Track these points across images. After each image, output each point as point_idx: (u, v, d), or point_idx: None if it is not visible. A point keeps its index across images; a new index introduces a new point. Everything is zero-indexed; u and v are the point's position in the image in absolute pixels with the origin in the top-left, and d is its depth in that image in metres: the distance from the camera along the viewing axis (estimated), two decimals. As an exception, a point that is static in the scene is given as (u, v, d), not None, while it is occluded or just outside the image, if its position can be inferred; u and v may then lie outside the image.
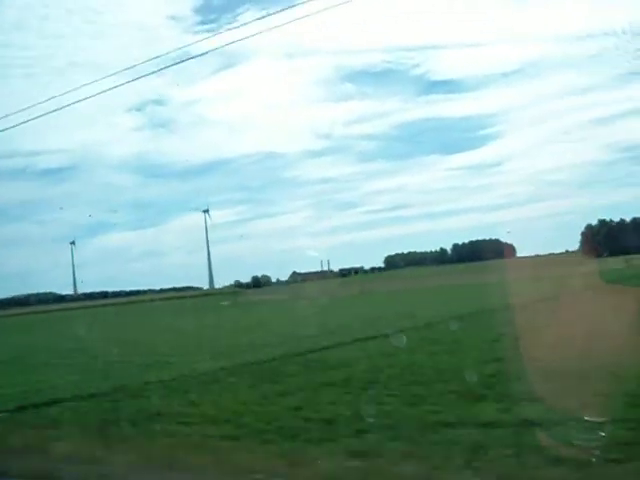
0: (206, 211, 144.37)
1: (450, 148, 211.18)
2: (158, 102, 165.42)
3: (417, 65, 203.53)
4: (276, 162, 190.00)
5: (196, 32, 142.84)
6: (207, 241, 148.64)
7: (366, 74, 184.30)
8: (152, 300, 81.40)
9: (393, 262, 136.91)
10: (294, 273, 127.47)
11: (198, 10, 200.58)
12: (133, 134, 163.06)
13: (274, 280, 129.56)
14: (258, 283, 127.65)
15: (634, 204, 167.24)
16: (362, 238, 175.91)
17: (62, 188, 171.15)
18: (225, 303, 70.21)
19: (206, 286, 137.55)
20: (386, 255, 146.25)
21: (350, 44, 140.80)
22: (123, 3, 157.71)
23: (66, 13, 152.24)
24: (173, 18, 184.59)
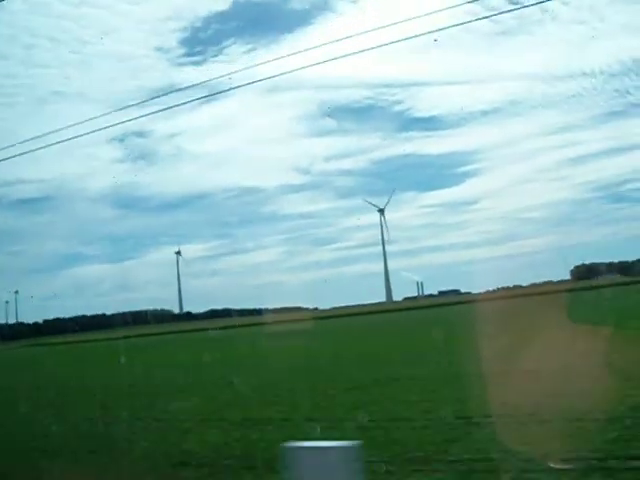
0: (178, 252, 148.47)
1: (427, 185, 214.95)
2: (139, 134, 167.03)
3: (399, 102, 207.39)
4: (254, 197, 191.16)
5: (182, 64, 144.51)
6: (179, 279, 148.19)
7: (348, 110, 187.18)
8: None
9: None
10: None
11: (184, 42, 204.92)
12: (113, 165, 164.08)
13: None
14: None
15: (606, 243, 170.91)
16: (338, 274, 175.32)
17: (37, 219, 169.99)
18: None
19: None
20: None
21: (333, 79, 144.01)
22: (110, 34, 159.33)
23: (52, 43, 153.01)
24: (159, 49, 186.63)
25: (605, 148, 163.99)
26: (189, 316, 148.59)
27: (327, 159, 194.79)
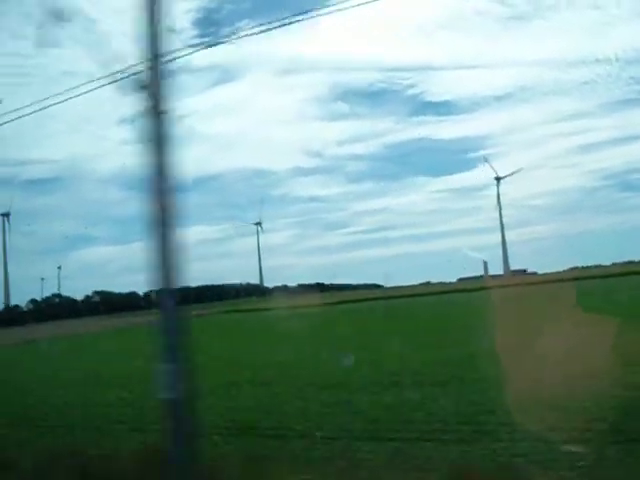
0: (258, 224, 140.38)
1: (439, 170, 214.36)
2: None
3: (412, 85, 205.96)
4: (265, 179, 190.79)
5: (194, 45, 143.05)
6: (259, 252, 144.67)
7: (361, 93, 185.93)
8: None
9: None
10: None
11: (197, 23, 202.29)
12: (122, 147, 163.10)
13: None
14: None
15: (613, 231, 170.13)
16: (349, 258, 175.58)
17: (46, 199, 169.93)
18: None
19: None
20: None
21: (347, 63, 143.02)
22: (122, 13, 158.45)
23: (63, 21, 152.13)
24: (172, 30, 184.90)
25: (616, 136, 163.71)
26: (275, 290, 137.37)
27: (339, 143, 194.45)
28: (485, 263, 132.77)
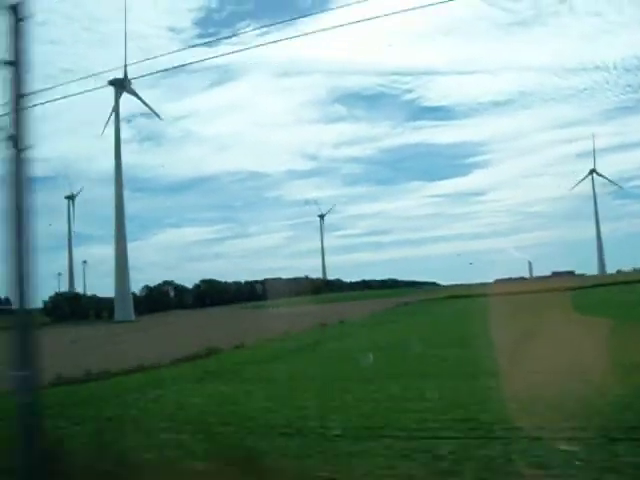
0: (321, 216, 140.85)
1: (435, 175, 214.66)
2: (147, 115, 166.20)
3: (410, 90, 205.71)
4: (260, 181, 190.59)
5: (195, 45, 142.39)
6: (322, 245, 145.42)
7: (359, 97, 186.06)
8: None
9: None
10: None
11: (198, 23, 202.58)
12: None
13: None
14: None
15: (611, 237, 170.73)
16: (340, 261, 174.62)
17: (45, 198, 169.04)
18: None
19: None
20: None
21: (345, 65, 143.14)
22: (123, 12, 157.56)
23: (65, 20, 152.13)
24: (172, 29, 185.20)
25: (613, 143, 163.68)
26: (339, 286, 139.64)
27: (335, 146, 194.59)
28: (530, 264, 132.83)
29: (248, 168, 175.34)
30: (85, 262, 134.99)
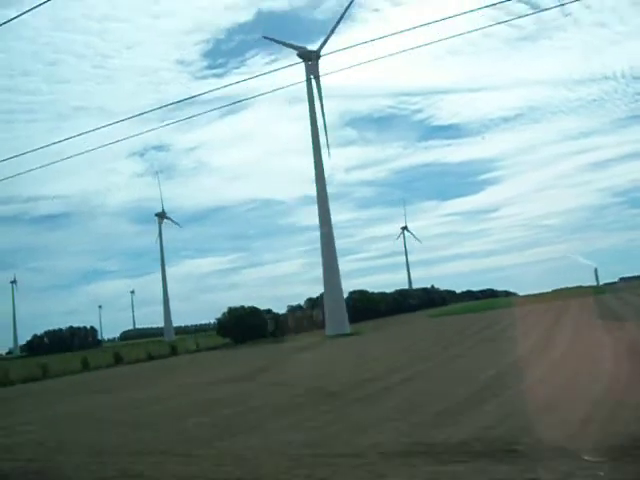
0: (404, 228, 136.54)
1: (448, 193, 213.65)
2: (160, 148, 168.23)
3: (420, 110, 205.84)
4: (274, 209, 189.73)
5: (203, 77, 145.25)
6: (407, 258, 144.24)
7: (369, 119, 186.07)
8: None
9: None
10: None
11: (206, 55, 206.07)
12: (133, 180, 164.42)
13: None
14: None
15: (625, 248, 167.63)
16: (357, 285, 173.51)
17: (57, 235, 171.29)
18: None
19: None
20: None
21: (354, 89, 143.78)
22: (132, 47, 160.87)
23: (75, 58, 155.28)
24: (181, 63, 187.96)
25: (625, 153, 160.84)
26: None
27: (347, 170, 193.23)
28: (596, 270, 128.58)
29: (262, 196, 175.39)
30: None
